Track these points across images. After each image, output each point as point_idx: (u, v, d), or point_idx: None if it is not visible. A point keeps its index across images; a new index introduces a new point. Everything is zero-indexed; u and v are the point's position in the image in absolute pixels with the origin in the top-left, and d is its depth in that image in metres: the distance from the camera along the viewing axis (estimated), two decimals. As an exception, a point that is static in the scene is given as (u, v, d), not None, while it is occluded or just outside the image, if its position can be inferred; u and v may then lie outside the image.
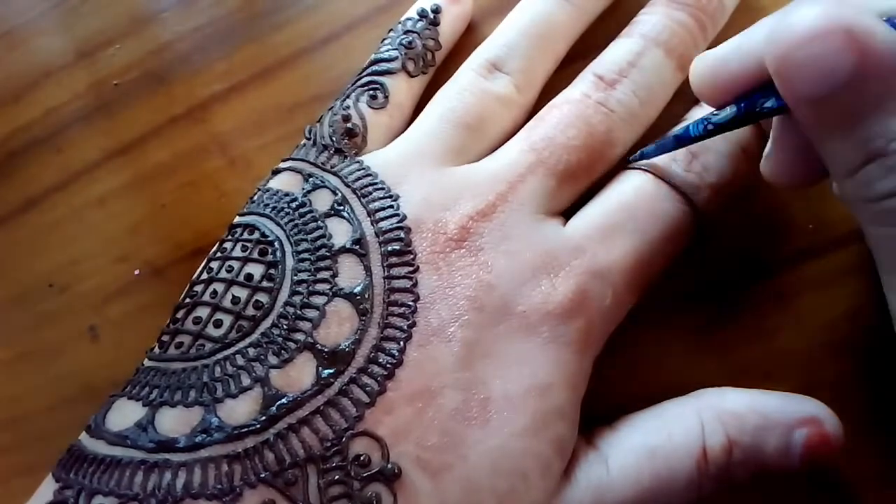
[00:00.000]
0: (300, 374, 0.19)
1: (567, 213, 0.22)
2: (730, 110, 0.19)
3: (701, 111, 0.23)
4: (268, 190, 0.23)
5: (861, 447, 0.21)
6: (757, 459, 0.19)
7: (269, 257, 0.21)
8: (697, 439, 0.20)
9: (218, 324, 0.20)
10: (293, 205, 0.22)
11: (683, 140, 0.21)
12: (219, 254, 0.22)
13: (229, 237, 0.22)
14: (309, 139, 0.24)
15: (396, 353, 0.19)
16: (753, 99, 0.18)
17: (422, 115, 0.24)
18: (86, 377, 0.27)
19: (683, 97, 0.24)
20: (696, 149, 0.22)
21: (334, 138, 0.23)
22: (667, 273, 0.22)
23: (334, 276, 0.20)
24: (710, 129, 0.20)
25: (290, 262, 0.21)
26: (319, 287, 0.20)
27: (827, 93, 0.15)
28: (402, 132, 0.24)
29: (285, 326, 0.20)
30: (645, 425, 0.21)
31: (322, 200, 0.22)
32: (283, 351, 0.19)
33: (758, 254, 0.23)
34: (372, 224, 0.21)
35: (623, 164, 0.23)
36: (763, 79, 0.17)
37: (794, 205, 0.24)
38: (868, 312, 0.22)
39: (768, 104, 0.18)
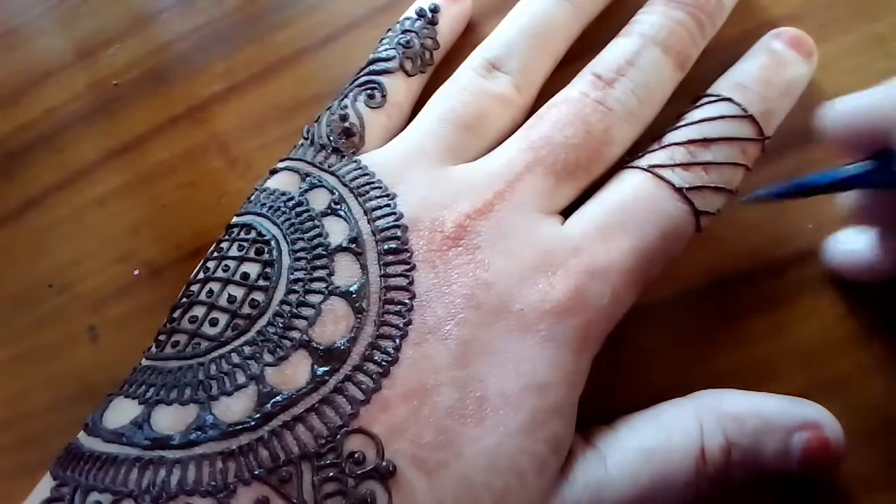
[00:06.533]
0: (295, 371, 0.19)
1: (566, 212, 0.22)
2: (860, 166, 0.18)
3: (701, 112, 0.23)
4: (265, 189, 0.23)
5: (861, 447, 0.20)
6: (755, 462, 0.19)
7: (266, 256, 0.21)
8: (696, 441, 0.19)
9: (214, 322, 0.20)
10: (290, 204, 0.22)
11: (806, 187, 0.19)
12: (215, 253, 0.22)
13: (226, 237, 0.22)
14: (306, 139, 0.24)
15: (392, 351, 0.19)
16: (888, 158, 0.17)
17: (420, 114, 0.24)
18: (85, 377, 0.27)
19: (682, 97, 0.24)
20: (694, 148, 0.22)
21: (332, 138, 0.23)
22: (667, 272, 0.22)
23: (330, 274, 0.20)
24: (837, 180, 0.18)
25: (286, 260, 0.21)
26: (315, 285, 0.20)
27: None
28: (400, 131, 0.24)
29: (281, 324, 0.20)
30: (644, 426, 0.20)
31: (319, 199, 0.22)
32: (278, 349, 0.19)
33: (758, 253, 0.23)
34: (368, 223, 0.21)
35: (622, 163, 0.23)
36: None
37: (794, 205, 0.23)
38: (868, 312, 0.22)
39: None
